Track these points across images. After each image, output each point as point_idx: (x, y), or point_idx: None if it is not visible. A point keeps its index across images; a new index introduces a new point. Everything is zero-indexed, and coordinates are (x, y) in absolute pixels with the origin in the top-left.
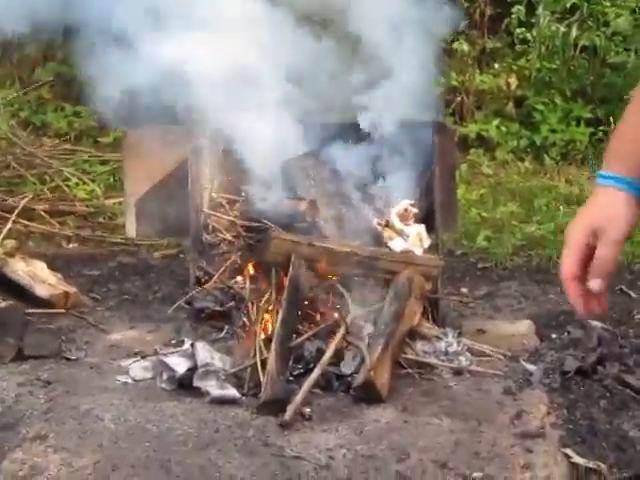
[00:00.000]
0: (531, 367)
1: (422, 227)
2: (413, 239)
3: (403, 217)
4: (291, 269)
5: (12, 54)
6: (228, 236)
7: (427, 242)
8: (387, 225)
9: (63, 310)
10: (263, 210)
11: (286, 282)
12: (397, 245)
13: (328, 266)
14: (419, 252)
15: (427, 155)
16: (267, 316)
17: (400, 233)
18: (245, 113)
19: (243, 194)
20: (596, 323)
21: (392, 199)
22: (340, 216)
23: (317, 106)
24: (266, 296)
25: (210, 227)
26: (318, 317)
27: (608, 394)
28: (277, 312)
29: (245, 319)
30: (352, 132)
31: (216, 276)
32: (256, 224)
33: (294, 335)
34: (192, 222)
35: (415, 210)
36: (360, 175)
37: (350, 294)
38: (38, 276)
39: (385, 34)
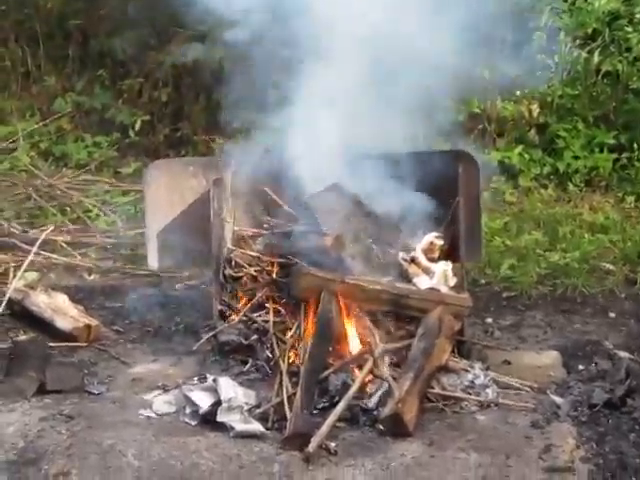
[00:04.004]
0: (559, 400)
1: (449, 265)
2: (439, 277)
3: (429, 250)
4: (321, 305)
5: (31, 85)
6: (251, 270)
7: (453, 281)
8: (413, 261)
9: (85, 343)
10: (287, 245)
11: (315, 318)
12: (422, 283)
13: (359, 302)
14: (444, 290)
15: (452, 184)
16: (293, 350)
17: (426, 270)
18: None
19: (265, 227)
20: (624, 354)
21: (418, 231)
22: (366, 251)
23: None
24: (292, 330)
25: (233, 262)
26: (344, 351)
27: (637, 427)
28: (304, 347)
29: (269, 353)
30: (378, 163)
31: (243, 312)
32: (280, 259)
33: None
34: (214, 255)
35: (440, 242)
36: (385, 207)
37: (378, 330)
38: (60, 309)
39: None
